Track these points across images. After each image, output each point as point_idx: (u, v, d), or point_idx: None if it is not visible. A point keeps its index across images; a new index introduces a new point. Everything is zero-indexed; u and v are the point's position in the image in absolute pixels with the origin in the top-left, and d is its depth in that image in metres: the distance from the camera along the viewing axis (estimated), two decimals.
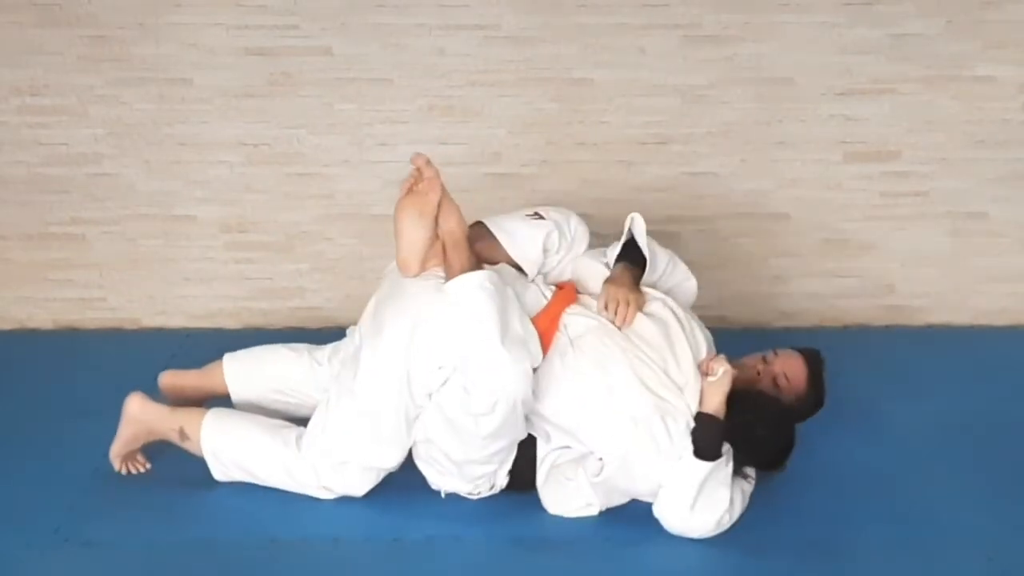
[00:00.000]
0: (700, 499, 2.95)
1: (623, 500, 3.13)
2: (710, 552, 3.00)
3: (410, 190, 3.14)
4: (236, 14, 4.05)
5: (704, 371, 3.10)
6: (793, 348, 3.39)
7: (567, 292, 3.24)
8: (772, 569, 2.95)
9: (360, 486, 3.15)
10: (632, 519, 3.09)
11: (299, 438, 3.17)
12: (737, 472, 3.02)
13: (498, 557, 2.98)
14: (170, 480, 3.29)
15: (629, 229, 3.36)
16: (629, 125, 4.21)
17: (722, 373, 3.06)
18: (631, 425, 2.99)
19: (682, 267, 3.49)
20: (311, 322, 4.37)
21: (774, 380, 3.27)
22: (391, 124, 4.15)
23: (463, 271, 3.03)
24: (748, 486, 3.09)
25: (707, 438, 2.97)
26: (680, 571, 2.98)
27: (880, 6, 4.07)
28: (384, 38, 4.09)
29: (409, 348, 3.01)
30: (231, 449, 3.20)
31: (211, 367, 3.51)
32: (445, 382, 2.99)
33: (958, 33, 4.12)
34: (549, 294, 3.21)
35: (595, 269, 3.33)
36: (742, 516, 3.08)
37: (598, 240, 3.49)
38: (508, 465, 3.14)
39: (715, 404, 3.03)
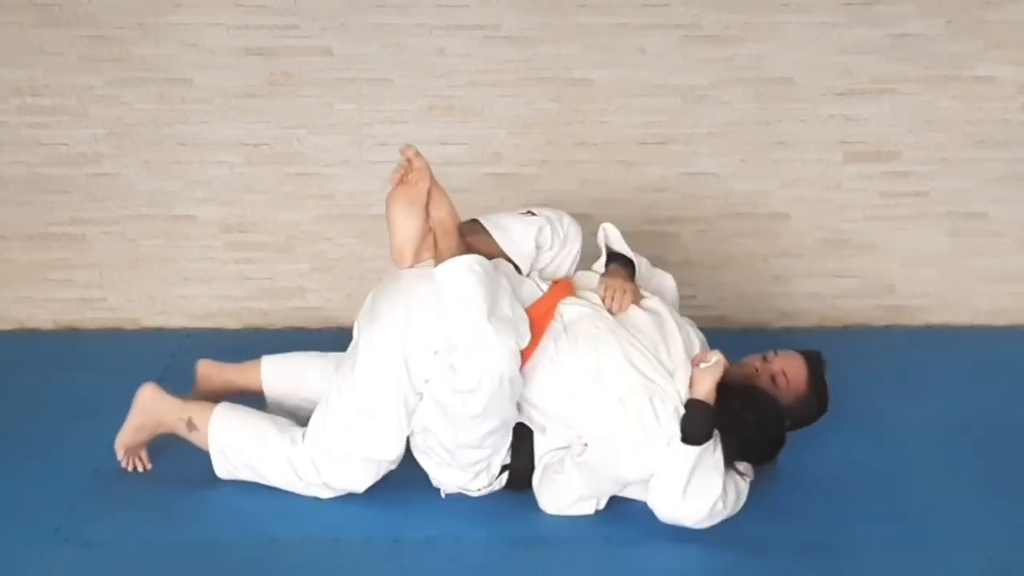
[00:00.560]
0: (691, 485, 2.95)
1: (613, 489, 3.12)
2: (709, 552, 3.00)
3: (400, 181, 3.19)
4: (236, 14, 4.06)
5: (696, 361, 3.11)
6: (795, 349, 3.39)
7: (564, 285, 3.26)
8: (771, 569, 2.95)
9: (361, 481, 3.15)
10: (632, 519, 3.09)
11: (305, 435, 3.19)
12: (728, 464, 3.02)
13: (498, 557, 2.98)
14: (170, 480, 3.29)
15: (605, 241, 3.43)
16: (629, 125, 4.21)
17: (715, 361, 3.07)
18: (619, 406, 2.99)
19: (657, 268, 3.54)
20: (311, 322, 4.37)
21: (772, 378, 3.26)
22: (391, 124, 4.15)
23: (453, 257, 3.07)
24: (744, 483, 3.09)
25: (695, 423, 2.98)
26: (680, 571, 2.99)
27: (880, 6, 4.08)
28: (384, 38, 4.10)
29: (405, 334, 3.04)
30: (237, 442, 3.20)
31: (248, 365, 3.51)
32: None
33: (958, 33, 4.12)
34: (545, 287, 3.22)
35: (590, 277, 3.37)
36: (740, 514, 3.09)
37: (594, 241, 3.50)
38: (503, 453, 3.13)
39: (705, 390, 3.04)
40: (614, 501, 3.17)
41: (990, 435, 3.61)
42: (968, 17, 4.10)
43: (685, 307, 4.25)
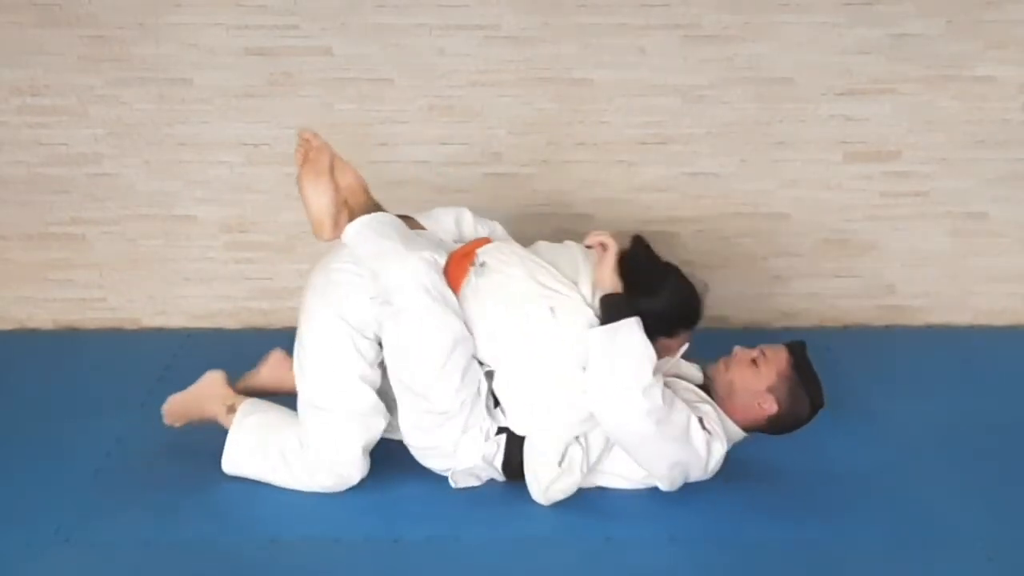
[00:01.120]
0: (617, 370, 3.01)
1: (575, 426, 3.12)
2: (708, 552, 3.01)
3: (304, 161, 3.29)
4: (236, 14, 4.07)
5: (588, 244, 3.25)
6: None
7: (484, 240, 3.40)
8: (770, 568, 2.95)
9: (349, 441, 3.16)
10: (632, 519, 3.12)
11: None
12: (654, 339, 3.09)
13: (498, 557, 2.98)
14: (171, 480, 3.30)
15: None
16: (629, 125, 4.22)
17: (606, 247, 3.20)
18: (526, 323, 3.12)
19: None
20: None
21: (752, 361, 3.27)
22: (391, 124, 4.17)
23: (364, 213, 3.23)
24: (719, 445, 3.12)
25: (610, 314, 3.09)
26: (678, 570, 2.98)
27: (880, 6, 4.09)
28: (384, 38, 4.11)
29: (335, 297, 3.20)
30: (258, 422, 3.26)
31: None
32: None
33: (958, 33, 4.13)
34: None
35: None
36: (739, 514, 3.12)
37: None
38: (484, 397, 3.15)
39: (607, 279, 3.16)
40: (612, 500, 3.19)
41: (990, 435, 3.62)
42: (968, 17, 4.11)
43: None
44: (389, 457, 3.27)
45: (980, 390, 3.94)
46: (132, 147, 4.22)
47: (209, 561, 2.96)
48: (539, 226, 4.07)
